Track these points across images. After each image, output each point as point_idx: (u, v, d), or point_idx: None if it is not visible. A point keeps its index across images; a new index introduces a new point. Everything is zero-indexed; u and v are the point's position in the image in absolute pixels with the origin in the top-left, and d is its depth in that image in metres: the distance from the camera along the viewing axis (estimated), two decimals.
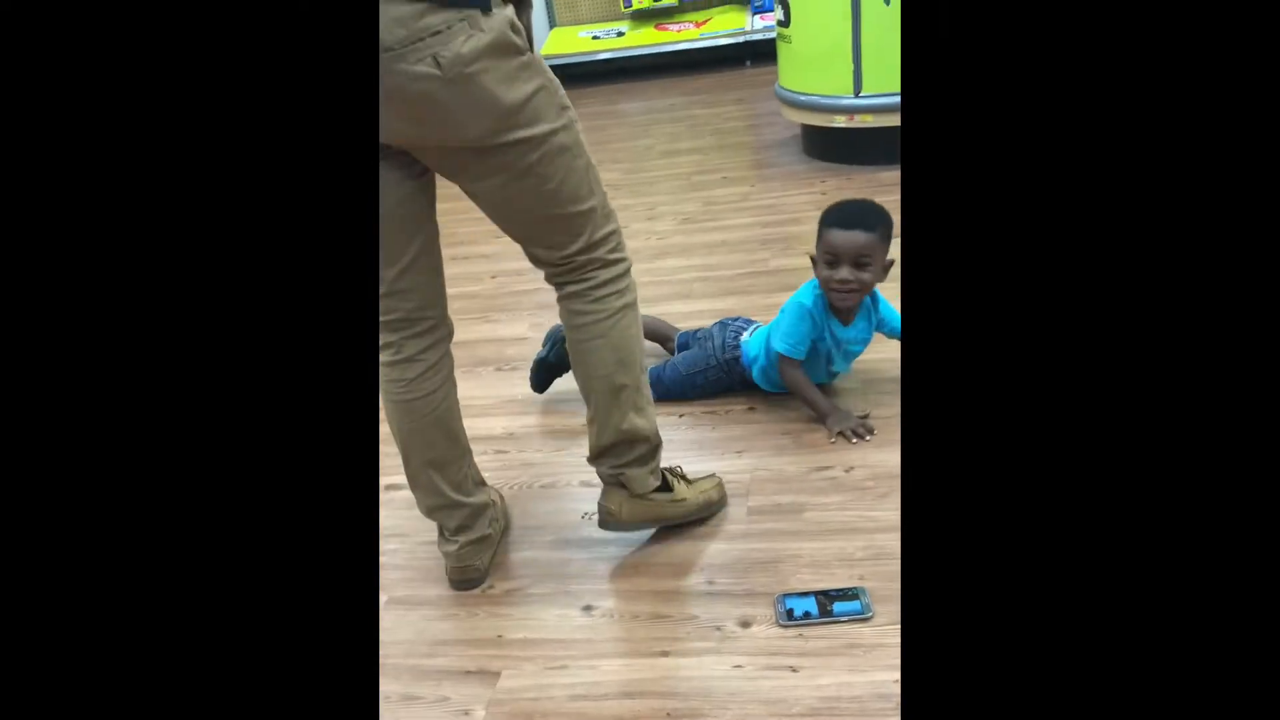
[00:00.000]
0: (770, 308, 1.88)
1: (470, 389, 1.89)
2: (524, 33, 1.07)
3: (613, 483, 1.39)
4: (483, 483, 1.44)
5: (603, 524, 1.42)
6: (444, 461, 1.33)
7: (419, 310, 1.24)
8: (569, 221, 1.21)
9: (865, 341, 1.75)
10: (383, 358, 1.26)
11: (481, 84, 1.03)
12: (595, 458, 1.39)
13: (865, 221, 1.59)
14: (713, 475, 1.55)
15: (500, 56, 1.04)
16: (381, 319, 1.23)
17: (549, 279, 1.31)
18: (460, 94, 1.02)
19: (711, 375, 1.82)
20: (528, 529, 1.54)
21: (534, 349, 2.15)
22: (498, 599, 1.39)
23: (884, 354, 1.86)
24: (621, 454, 1.36)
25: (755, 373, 1.78)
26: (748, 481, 1.58)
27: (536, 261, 1.29)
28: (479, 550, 1.40)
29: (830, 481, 1.54)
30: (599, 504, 1.41)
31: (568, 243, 1.23)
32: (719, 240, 2.67)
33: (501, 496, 1.58)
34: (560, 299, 1.31)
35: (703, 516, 1.49)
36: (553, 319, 2.23)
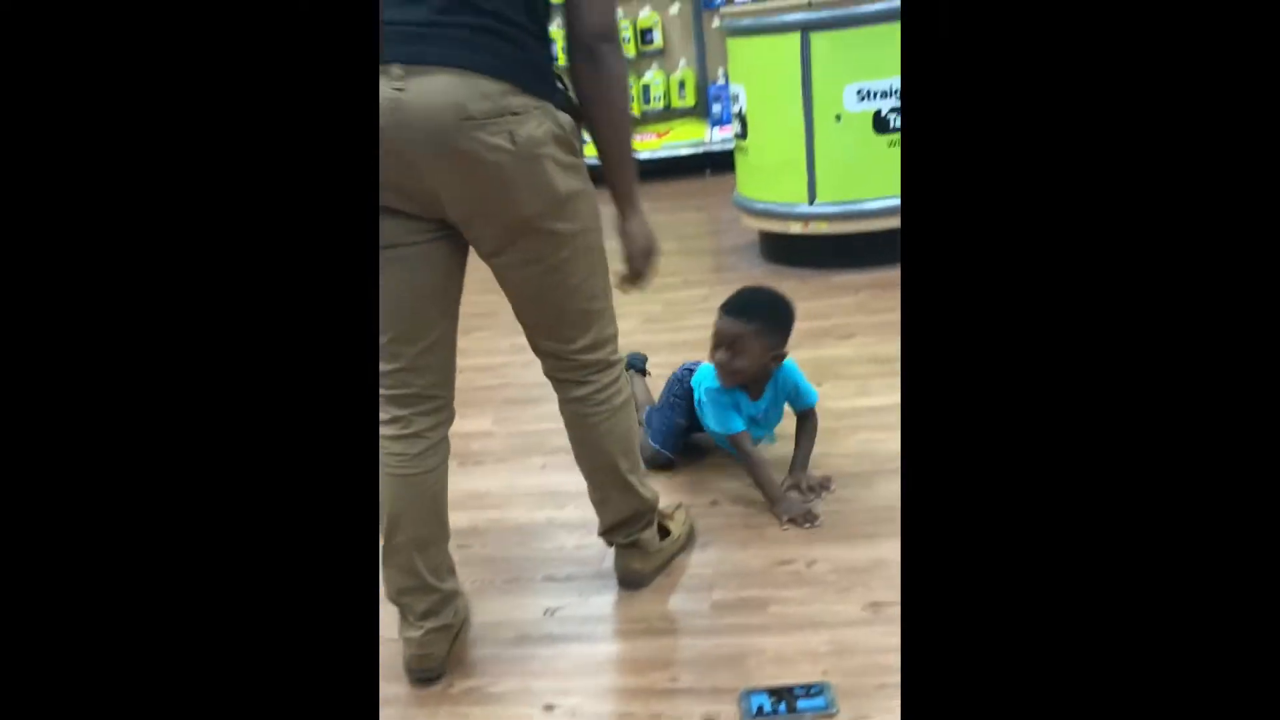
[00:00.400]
0: None
1: None
2: (580, 140, 1.21)
3: (628, 547, 1.53)
4: (454, 571, 1.43)
5: (627, 585, 1.56)
6: (428, 542, 1.34)
7: (432, 388, 1.30)
8: (582, 316, 1.32)
9: (779, 413, 1.85)
10: (388, 431, 1.29)
11: (544, 167, 1.16)
12: (608, 532, 1.53)
13: (746, 312, 1.73)
14: (679, 505, 1.72)
15: (561, 149, 1.18)
16: (395, 392, 1.27)
17: (549, 372, 1.41)
18: (526, 171, 1.15)
19: (661, 403, 1.96)
20: (489, 625, 1.52)
21: (498, 444, 2.15)
22: (457, 698, 1.36)
23: (843, 449, 1.90)
24: (632, 525, 1.52)
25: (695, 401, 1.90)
26: (711, 575, 1.58)
27: (541, 353, 1.39)
28: (441, 639, 1.38)
29: (793, 575, 1.55)
30: (619, 568, 1.56)
31: (576, 337, 1.34)
32: (681, 339, 2.73)
33: (461, 592, 1.56)
34: (564, 402, 1.42)
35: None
36: (518, 415, 2.25)
